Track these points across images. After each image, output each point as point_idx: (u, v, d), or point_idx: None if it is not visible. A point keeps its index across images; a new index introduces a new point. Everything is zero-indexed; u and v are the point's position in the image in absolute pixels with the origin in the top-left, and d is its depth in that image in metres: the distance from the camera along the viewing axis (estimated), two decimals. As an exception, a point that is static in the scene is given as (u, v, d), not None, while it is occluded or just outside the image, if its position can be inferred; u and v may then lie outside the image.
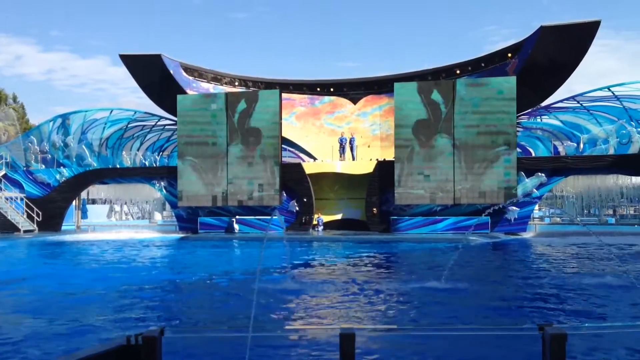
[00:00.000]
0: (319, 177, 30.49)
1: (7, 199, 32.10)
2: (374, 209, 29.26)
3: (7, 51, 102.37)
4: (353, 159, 31.15)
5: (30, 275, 15.47)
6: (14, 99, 57.57)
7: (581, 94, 27.96)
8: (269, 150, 29.50)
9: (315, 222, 30.34)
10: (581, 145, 27.78)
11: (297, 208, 30.09)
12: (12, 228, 31.05)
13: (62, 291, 12.59)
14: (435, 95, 27.95)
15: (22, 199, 32.70)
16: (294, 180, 29.98)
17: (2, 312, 10.44)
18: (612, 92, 27.35)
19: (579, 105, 27.86)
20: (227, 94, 30.70)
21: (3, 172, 33.14)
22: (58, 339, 8.21)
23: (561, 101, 28.31)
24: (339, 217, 31.39)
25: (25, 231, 31.20)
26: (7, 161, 33.60)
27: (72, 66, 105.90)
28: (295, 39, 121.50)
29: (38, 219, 32.30)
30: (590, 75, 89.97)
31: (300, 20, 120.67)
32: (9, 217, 31.35)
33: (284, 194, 30.05)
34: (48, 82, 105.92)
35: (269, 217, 29.31)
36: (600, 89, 27.69)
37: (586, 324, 8.90)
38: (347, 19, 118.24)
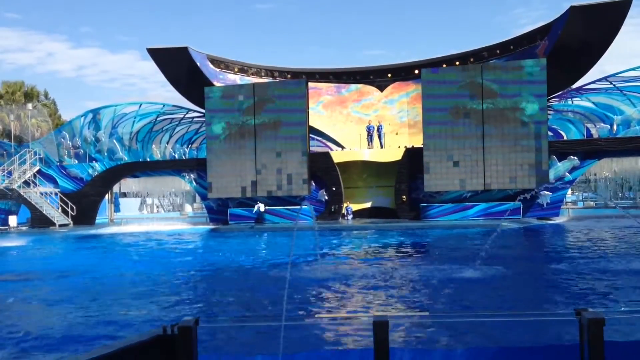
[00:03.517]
0: (348, 165, 30.45)
1: (42, 194, 32.78)
2: (404, 197, 29.11)
3: (39, 49, 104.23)
4: (381, 146, 31.02)
5: (69, 267, 15.78)
6: (46, 95, 58.66)
7: (613, 75, 27.30)
8: (297, 140, 29.52)
9: (344, 211, 30.35)
10: (614, 127, 27.19)
11: (326, 197, 30.09)
12: (47, 222, 31.71)
13: (99, 282, 12.86)
14: (466, 80, 27.57)
15: (56, 194, 33.34)
16: (322, 169, 29.97)
17: (44, 302, 10.69)
18: (646, 72, 26.68)
19: (611, 86, 27.24)
20: (253, 85, 30.78)
21: (37, 168, 33.83)
22: (97, 328, 8.38)
23: (593, 82, 27.70)
24: (368, 205, 31.32)
25: (60, 225, 31.84)
26: (40, 157, 34.28)
27: (102, 62, 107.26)
28: (319, 28, 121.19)
29: (72, 213, 32.92)
30: (622, 56, 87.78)
31: (324, 9, 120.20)
32: (44, 212, 32.01)
33: (313, 184, 30.09)
34: (79, 78, 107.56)
35: (299, 207, 29.40)
36: (633, 69, 27.01)
37: (622, 308, 8.75)
38: (371, 6, 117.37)
